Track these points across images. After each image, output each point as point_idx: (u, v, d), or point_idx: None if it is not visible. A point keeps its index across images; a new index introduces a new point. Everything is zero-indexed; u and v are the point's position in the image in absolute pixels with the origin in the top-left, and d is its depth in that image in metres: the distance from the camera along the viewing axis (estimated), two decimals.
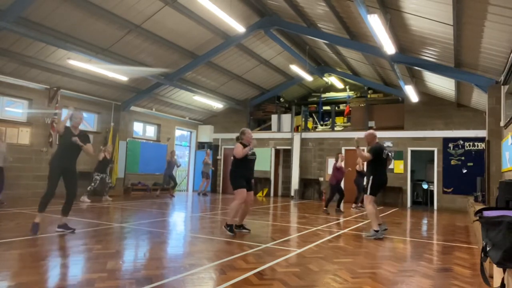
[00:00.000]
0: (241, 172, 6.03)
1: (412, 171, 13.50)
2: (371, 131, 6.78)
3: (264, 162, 15.45)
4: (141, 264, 3.96)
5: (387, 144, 13.61)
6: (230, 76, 13.82)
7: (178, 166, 13.69)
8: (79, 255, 4.31)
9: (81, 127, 6.08)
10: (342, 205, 10.53)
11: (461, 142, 12.61)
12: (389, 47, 7.61)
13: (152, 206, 9.89)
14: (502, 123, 7.78)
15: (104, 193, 10.83)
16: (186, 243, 5.36)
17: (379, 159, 6.37)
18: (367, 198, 6.39)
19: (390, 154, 6.71)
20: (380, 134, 13.67)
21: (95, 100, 12.38)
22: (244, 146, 6.09)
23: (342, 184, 10.83)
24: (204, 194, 14.31)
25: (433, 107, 13.09)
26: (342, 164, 10.30)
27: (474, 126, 12.40)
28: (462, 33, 6.74)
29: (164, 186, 13.37)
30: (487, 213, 2.53)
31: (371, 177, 6.36)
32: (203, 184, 14.37)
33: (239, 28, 8.63)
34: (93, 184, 10.61)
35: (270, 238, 5.76)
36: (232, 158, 6.15)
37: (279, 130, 15.78)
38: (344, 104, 15.68)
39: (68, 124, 5.64)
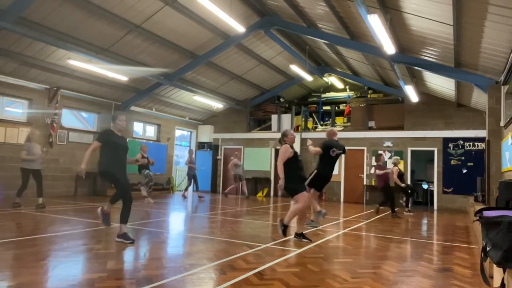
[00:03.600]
0: (296, 174, 5.52)
1: (412, 171, 13.50)
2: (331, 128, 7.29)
3: (264, 162, 15.46)
4: (141, 264, 3.96)
5: (387, 144, 13.63)
6: (230, 76, 13.82)
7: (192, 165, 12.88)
8: (79, 255, 4.31)
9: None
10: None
11: (461, 142, 12.61)
12: (389, 47, 7.61)
13: (152, 206, 9.89)
14: (502, 123, 7.78)
15: (147, 192, 10.79)
16: (186, 243, 5.36)
17: (326, 155, 6.76)
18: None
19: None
20: (380, 134, 13.83)
21: (95, 100, 12.37)
22: (290, 147, 5.72)
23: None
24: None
25: (433, 107, 13.09)
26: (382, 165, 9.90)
27: (474, 126, 12.39)
28: (462, 33, 6.74)
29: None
30: (487, 213, 2.53)
31: (314, 171, 6.89)
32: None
33: (239, 28, 8.63)
34: (148, 182, 10.63)
35: (270, 238, 5.76)
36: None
37: (279, 130, 15.75)
38: (344, 104, 15.68)
39: (112, 127, 5.20)
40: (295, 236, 5.66)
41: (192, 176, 12.77)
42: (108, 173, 5.06)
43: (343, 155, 7.44)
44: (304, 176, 5.92)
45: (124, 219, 5.02)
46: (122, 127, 5.20)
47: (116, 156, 5.04)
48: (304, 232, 5.69)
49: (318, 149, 6.84)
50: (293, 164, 5.53)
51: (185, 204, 11.04)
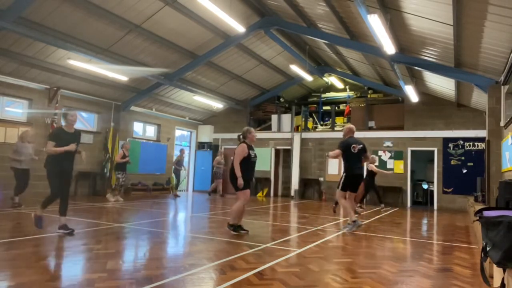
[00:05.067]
0: (245, 173, 5.82)
1: (412, 171, 13.50)
2: (348, 125, 7.26)
3: (264, 162, 15.46)
4: (141, 264, 3.96)
5: (387, 144, 13.63)
6: (230, 76, 13.82)
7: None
8: (79, 255, 4.31)
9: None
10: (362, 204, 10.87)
11: (461, 142, 12.62)
12: (389, 47, 7.61)
13: (152, 206, 9.89)
14: (502, 123, 7.78)
15: (116, 192, 10.94)
16: (186, 243, 5.36)
17: (347, 153, 6.73)
18: (338, 193, 6.95)
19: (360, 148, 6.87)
20: (380, 134, 13.83)
21: (95, 100, 12.37)
22: (248, 146, 5.90)
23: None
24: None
25: (433, 107, 13.09)
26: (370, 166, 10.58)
27: (474, 126, 12.40)
28: (462, 33, 6.75)
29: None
30: (487, 213, 2.53)
31: (343, 175, 6.89)
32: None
33: (239, 28, 8.64)
34: (116, 183, 10.86)
35: (270, 238, 5.76)
36: (232, 158, 5.99)
37: (279, 130, 15.77)
38: (344, 104, 15.68)
39: (62, 123, 5.55)
40: (230, 227, 5.90)
41: (177, 174, 13.35)
42: (49, 172, 5.29)
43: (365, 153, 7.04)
44: (251, 177, 6.15)
45: (63, 212, 5.41)
46: (73, 121, 5.51)
47: (62, 154, 5.29)
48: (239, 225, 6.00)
49: (336, 151, 6.78)
50: (246, 165, 5.85)
51: (185, 204, 11.04)
